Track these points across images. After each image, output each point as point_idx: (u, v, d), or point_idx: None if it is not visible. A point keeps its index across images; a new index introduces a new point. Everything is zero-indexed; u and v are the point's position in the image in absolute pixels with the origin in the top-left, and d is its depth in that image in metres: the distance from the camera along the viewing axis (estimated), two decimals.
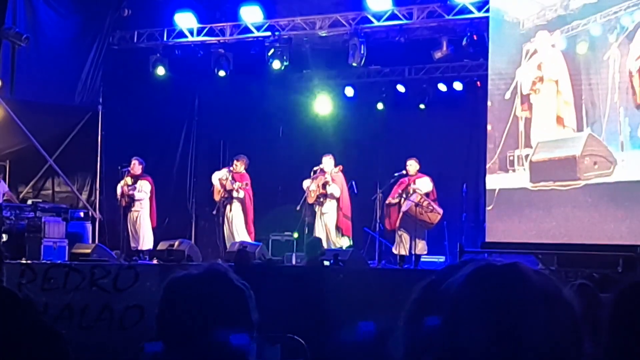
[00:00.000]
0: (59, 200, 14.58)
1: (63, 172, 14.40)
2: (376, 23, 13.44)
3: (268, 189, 14.45)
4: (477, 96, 14.39)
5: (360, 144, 15.36)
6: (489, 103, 12.00)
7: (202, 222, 15.59)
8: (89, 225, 13.66)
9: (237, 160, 13.24)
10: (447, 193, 13.29)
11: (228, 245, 12.60)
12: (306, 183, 13.06)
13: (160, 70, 14.70)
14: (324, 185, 12.91)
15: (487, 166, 11.87)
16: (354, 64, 13.66)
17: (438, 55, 13.64)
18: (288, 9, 14.11)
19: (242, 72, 14.81)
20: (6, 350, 2.41)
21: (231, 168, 13.21)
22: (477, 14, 12.63)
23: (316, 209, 13.02)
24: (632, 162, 10.39)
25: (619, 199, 10.42)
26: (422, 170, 12.63)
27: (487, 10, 12.26)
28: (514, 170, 11.53)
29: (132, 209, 13.15)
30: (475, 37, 12.84)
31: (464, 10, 12.75)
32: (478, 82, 14.56)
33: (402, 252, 12.40)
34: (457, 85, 15.28)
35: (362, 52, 13.36)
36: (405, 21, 13.29)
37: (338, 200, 13.01)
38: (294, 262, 11.98)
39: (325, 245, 12.24)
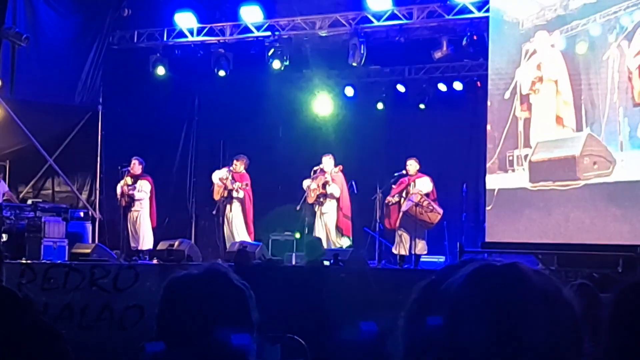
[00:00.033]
0: (59, 200, 14.58)
1: (63, 172, 14.40)
2: (376, 23, 13.44)
3: (268, 189, 14.45)
4: (477, 96, 14.39)
5: (360, 144, 15.36)
6: (488, 103, 12.00)
7: (202, 222, 15.59)
8: (89, 225, 13.66)
9: (237, 160, 13.24)
10: (447, 193, 13.29)
11: (228, 245, 12.60)
12: (306, 183, 13.07)
13: (160, 70, 14.70)
14: (324, 185, 12.91)
15: (487, 166, 11.87)
16: (354, 64, 13.66)
17: (438, 55, 13.64)
18: (288, 9, 14.11)
19: (242, 72, 14.80)
20: (6, 350, 2.41)
21: (231, 168, 13.21)
22: (477, 14, 12.63)
23: (316, 209, 13.02)
24: (631, 162, 10.39)
25: (619, 199, 10.42)
26: (422, 170, 12.63)
27: (487, 10, 12.26)
28: (513, 170, 11.53)
29: (132, 209, 13.15)
30: (475, 37, 12.84)
31: (464, 10, 12.75)
32: (478, 82, 14.56)
33: (402, 252, 12.40)
34: (457, 85, 15.28)
35: (362, 52, 13.36)
36: (405, 21, 13.29)
37: (338, 200, 13.01)
38: (294, 262, 11.97)
39: (325, 245, 12.24)
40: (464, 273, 1.32)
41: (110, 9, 14.75)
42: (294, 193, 13.42)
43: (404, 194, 12.48)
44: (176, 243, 11.72)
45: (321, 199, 12.93)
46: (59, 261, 10.92)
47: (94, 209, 14.40)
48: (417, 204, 12.10)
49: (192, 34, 14.70)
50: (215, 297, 2.14)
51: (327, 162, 13.06)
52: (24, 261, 10.48)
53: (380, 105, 16.10)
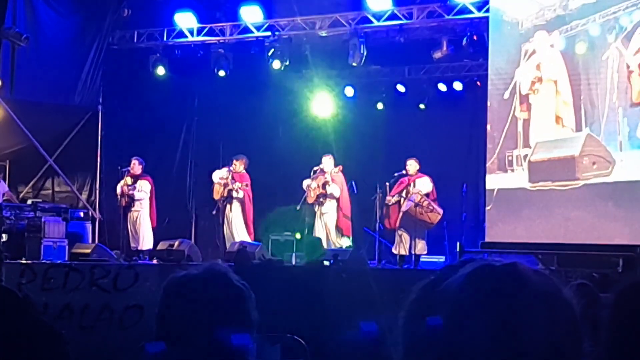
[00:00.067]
0: (58, 200, 14.59)
1: (63, 172, 14.40)
2: (376, 23, 13.44)
3: (268, 189, 14.44)
4: (477, 96, 14.38)
5: (360, 144, 15.35)
6: (488, 103, 12.00)
7: (202, 222, 15.58)
8: (88, 225, 13.66)
9: (237, 160, 13.23)
10: (447, 193, 13.28)
11: (228, 245, 12.60)
12: (306, 182, 13.07)
13: (160, 70, 14.70)
14: (324, 185, 12.91)
15: (487, 166, 11.87)
16: (354, 64, 13.66)
17: (438, 55, 13.65)
18: (288, 9, 14.10)
19: (242, 72, 14.81)
20: (6, 350, 2.41)
21: (231, 168, 13.21)
22: (477, 14, 12.64)
23: (316, 209, 13.03)
24: (630, 162, 10.39)
25: (618, 199, 10.42)
26: (422, 170, 12.63)
27: (487, 10, 12.27)
28: (512, 170, 11.53)
29: (132, 209, 13.15)
30: (475, 37, 12.84)
31: (464, 10, 12.76)
32: (478, 82, 14.56)
33: (402, 252, 12.40)
34: (457, 85, 15.28)
35: (362, 52, 13.36)
36: (405, 21, 13.29)
37: (338, 200, 13.01)
38: (293, 262, 11.97)
39: (325, 245, 12.25)
40: (464, 273, 1.32)
41: (110, 9, 14.75)
42: (294, 193, 13.42)
43: (403, 194, 12.48)
44: (176, 243, 11.71)
45: (321, 199, 12.94)
46: (59, 261, 10.92)
47: (94, 209, 14.40)
48: (417, 204, 12.11)
49: (192, 34, 14.71)
50: (215, 297, 2.14)
51: (327, 162, 13.06)
52: (23, 261, 10.48)
53: (380, 105, 16.10)
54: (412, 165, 12.53)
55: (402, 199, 12.43)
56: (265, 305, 2.43)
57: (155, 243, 12.63)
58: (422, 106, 15.69)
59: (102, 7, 14.73)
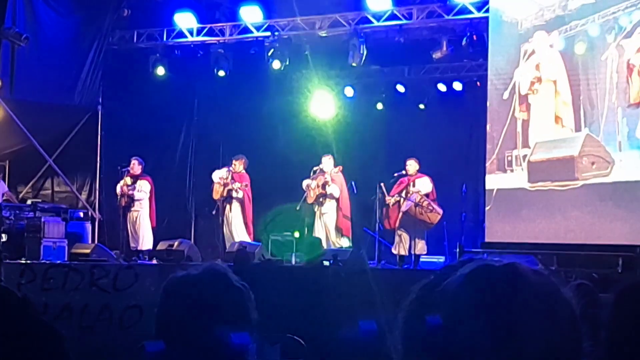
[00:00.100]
0: (58, 200, 14.58)
1: (63, 172, 14.40)
2: (376, 23, 13.44)
3: (268, 189, 14.44)
4: (476, 96, 14.38)
5: (360, 144, 15.36)
6: (488, 103, 12.00)
7: (201, 222, 15.59)
8: (88, 225, 13.65)
9: (236, 160, 13.24)
10: (447, 193, 13.28)
11: (227, 245, 12.60)
12: (306, 182, 13.07)
13: (160, 70, 14.70)
14: (324, 186, 12.91)
15: (486, 166, 11.87)
16: (354, 64, 13.66)
17: (437, 55, 13.65)
18: (288, 9, 14.10)
19: (241, 72, 14.81)
20: (6, 350, 2.41)
21: (230, 168, 13.21)
22: (476, 14, 12.64)
23: (316, 209, 13.02)
24: (629, 162, 10.39)
25: (617, 199, 10.42)
26: (422, 170, 12.63)
27: (487, 11, 12.27)
28: (512, 171, 11.54)
29: (132, 209, 13.14)
30: (474, 37, 12.84)
31: (464, 10, 12.76)
32: (478, 82, 14.56)
33: (402, 252, 12.40)
34: (457, 85, 15.28)
35: (361, 52, 13.36)
36: (405, 21, 13.29)
37: (338, 200, 13.01)
38: (293, 262, 11.97)
39: (324, 245, 12.24)
40: (463, 273, 1.32)
41: (110, 9, 14.75)
42: (294, 193, 13.41)
43: (403, 194, 12.48)
44: (176, 243, 11.72)
45: (321, 199, 12.94)
46: (58, 261, 10.93)
47: (94, 209, 14.40)
48: (416, 204, 12.11)
49: (191, 34, 14.71)
50: (214, 297, 2.14)
51: (327, 162, 13.06)
52: (23, 261, 10.49)
53: (380, 106, 16.10)
54: (412, 166, 12.53)
55: (402, 199, 12.43)
56: (265, 305, 2.43)
57: (155, 243, 12.64)
58: (421, 106, 15.70)
59: (102, 7, 14.73)
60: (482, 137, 12.41)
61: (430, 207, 12.14)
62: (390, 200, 12.54)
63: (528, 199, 11.27)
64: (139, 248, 13.07)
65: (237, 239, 12.63)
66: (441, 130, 15.26)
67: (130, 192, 13.04)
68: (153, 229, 13.29)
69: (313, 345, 6.77)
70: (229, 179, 13.04)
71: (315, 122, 16.02)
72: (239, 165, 13.17)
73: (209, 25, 14.60)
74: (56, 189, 15.06)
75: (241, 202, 13.15)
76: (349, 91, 16.14)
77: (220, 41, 14.57)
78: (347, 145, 14.86)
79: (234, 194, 13.07)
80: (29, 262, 10.43)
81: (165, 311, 2.19)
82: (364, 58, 13.48)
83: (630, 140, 10.40)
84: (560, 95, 11.20)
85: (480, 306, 1.27)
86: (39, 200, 14.04)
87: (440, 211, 12.26)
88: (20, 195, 14.52)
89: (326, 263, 10.36)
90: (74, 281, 9.60)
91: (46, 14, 14.12)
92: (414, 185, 12.45)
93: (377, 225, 12.70)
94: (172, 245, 11.62)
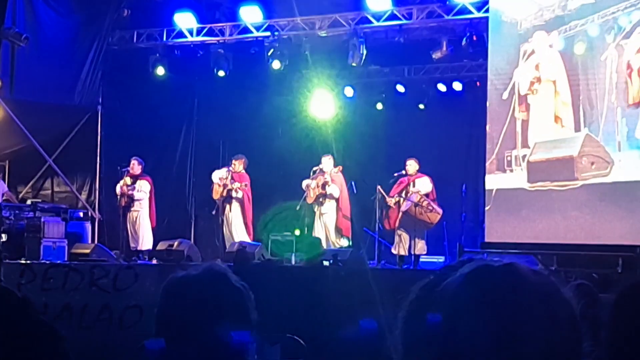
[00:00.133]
0: (58, 200, 14.59)
1: (62, 172, 14.40)
2: (376, 23, 13.44)
3: (268, 189, 14.44)
4: (476, 96, 14.38)
5: (360, 144, 15.36)
6: (487, 103, 12.00)
7: (201, 222, 15.59)
8: (88, 225, 13.65)
9: (236, 160, 13.24)
10: (447, 193, 13.29)
11: (227, 245, 12.60)
12: (306, 182, 13.07)
13: (160, 70, 14.70)
14: (324, 186, 12.91)
15: (486, 166, 11.87)
16: (354, 64, 13.66)
17: (437, 55, 13.65)
18: (288, 9, 14.10)
19: (241, 72, 14.81)
20: (6, 350, 2.41)
21: (230, 168, 13.21)
22: (476, 14, 12.64)
23: (316, 209, 13.03)
24: (629, 163, 10.39)
25: (617, 199, 10.42)
26: (422, 170, 12.63)
27: (487, 11, 12.27)
28: (511, 171, 11.53)
29: (132, 209, 13.15)
30: (474, 38, 12.85)
31: (464, 10, 12.76)
32: (477, 83, 14.57)
33: (402, 252, 12.40)
34: (457, 86, 15.28)
35: (361, 52, 13.37)
36: (404, 21, 13.29)
37: (337, 200, 13.01)
38: (293, 262, 11.97)
39: (324, 245, 12.24)
40: (463, 273, 1.32)
41: (110, 9, 14.75)
42: (294, 193, 13.41)
43: (403, 194, 12.48)
44: (175, 243, 11.72)
45: (321, 199, 12.94)
46: (58, 261, 10.93)
47: (94, 209, 14.40)
48: (416, 204, 12.11)
49: (191, 34, 14.71)
50: (214, 297, 2.14)
51: (327, 162, 13.06)
52: (23, 261, 10.49)
53: (379, 106, 16.10)
54: (412, 166, 12.54)
55: (402, 199, 12.43)
56: (265, 305, 2.43)
57: (155, 243, 12.64)
58: (421, 106, 15.69)
59: (102, 7, 14.73)
60: (482, 137, 12.41)
61: (430, 207, 12.15)
62: (390, 201, 12.54)
63: (528, 199, 11.27)
64: (138, 248, 13.08)
65: (237, 239, 12.63)
66: (441, 130, 15.26)
67: (130, 192, 13.04)
68: (153, 229, 13.29)
69: (313, 345, 6.77)
70: (228, 179, 13.04)
71: (315, 122, 16.02)
72: (238, 165, 13.17)
73: (208, 25, 14.60)
74: (56, 189, 15.06)
75: (241, 202, 13.16)
76: (349, 91, 16.14)
77: (220, 41, 14.57)
78: (347, 146, 14.87)
79: (234, 194, 13.07)
80: (29, 262, 10.43)
81: (165, 311, 2.19)
82: (363, 58, 13.48)
83: (630, 141, 10.39)
84: (560, 96, 11.20)
85: (480, 306, 1.27)
86: (39, 200, 14.04)
87: (440, 211, 12.26)
88: (20, 195, 14.52)
89: (326, 263, 10.36)
90: (74, 281, 9.60)
91: (46, 14, 14.13)
92: (413, 185, 12.45)
93: (377, 225, 12.71)
94: (172, 246, 11.62)
